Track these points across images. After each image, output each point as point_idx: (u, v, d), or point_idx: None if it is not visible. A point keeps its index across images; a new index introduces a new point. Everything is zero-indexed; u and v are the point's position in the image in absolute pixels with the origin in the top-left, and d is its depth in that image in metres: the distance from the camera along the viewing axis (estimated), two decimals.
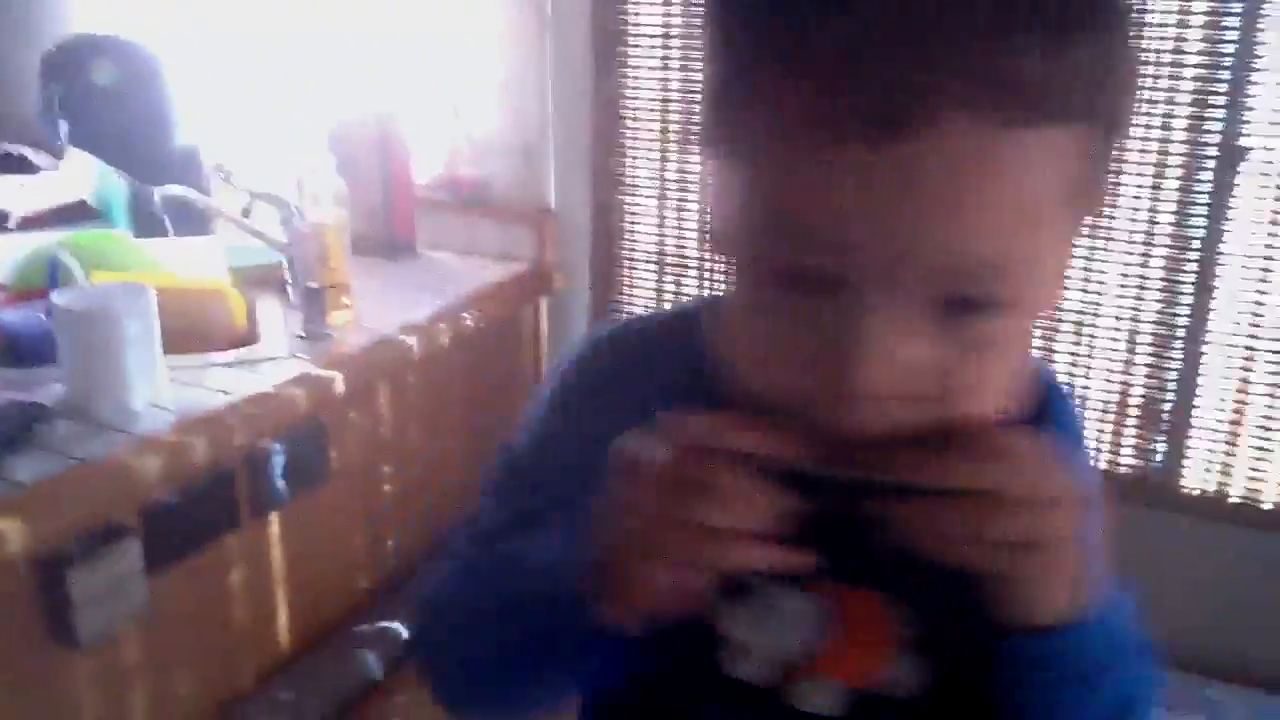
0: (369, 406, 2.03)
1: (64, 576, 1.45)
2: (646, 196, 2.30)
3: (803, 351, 0.56)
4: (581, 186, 2.32)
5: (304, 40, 2.48)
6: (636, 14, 2.20)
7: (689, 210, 2.28)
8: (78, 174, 2.52)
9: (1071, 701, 0.64)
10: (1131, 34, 0.57)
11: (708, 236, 0.60)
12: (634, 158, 2.29)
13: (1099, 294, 1.96)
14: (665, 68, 2.21)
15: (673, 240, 2.30)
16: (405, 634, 1.98)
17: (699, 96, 0.61)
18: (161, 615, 1.63)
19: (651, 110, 2.25)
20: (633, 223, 2.33)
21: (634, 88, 2.24)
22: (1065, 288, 0.55)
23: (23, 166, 2.74)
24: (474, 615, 0.70)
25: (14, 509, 1.37)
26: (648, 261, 2.34)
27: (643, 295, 2.38)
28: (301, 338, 1.91)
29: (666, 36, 2.19)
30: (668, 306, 2.35)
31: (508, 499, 0.74)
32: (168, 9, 2.59)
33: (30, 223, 2.36)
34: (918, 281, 0.54)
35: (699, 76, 2.04)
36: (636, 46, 2.22)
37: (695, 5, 2.15)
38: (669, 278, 2.33)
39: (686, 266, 2.31)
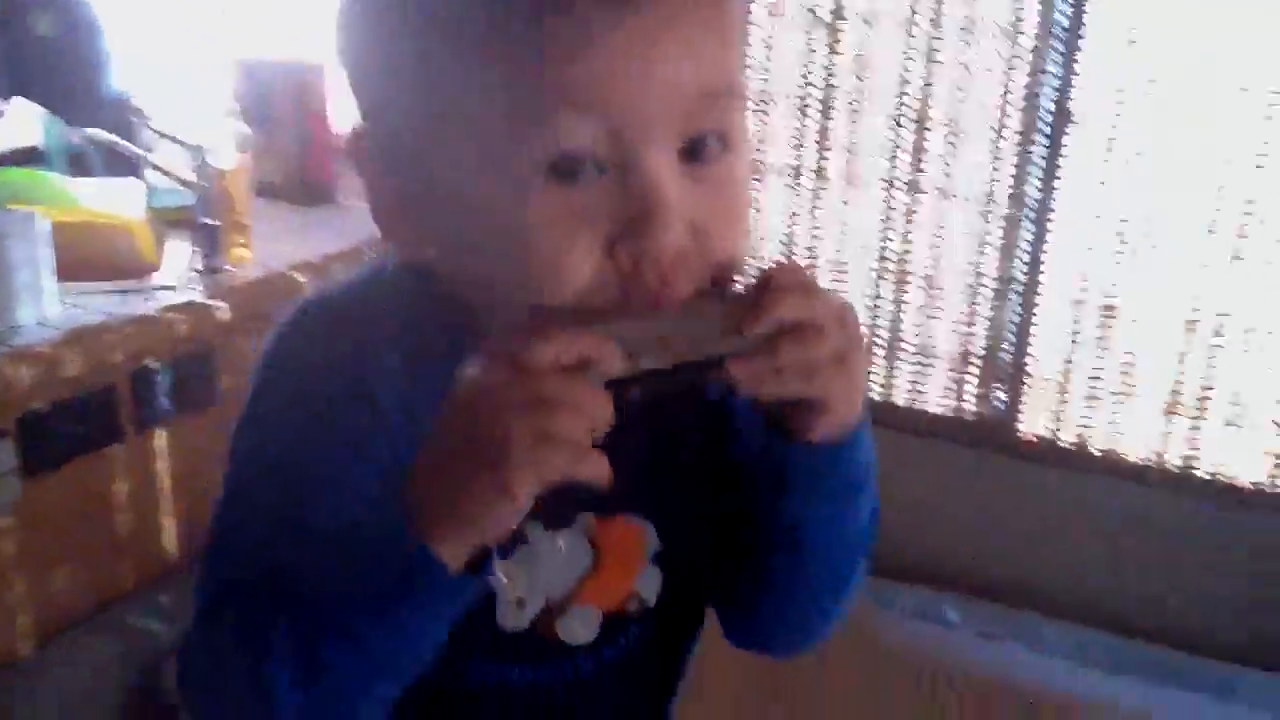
0: (260, 336, 2.18)
1: None
2: None
3: (595, 233, 0.59)
4: None
5: None
6: None
7: None
8: (25, 121, 2.71)
9: (849, 508, 0.70)
10: None
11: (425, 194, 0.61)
12: None
13: (942, 249, 2.08)
14: None
15: None
16: None
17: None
18: (40, 515, 1.79)
19: None
20: None
21: None
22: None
23: None
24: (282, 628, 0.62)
25: None
26: None
27: None
28: (198, 271, 2.07)
29: None
30: None
31: (253, 540, 0.67)
32: None
33: None
34: (671, 125, 0.58)
35: None
36: None
37: None
38: None
39: None
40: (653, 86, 0.57)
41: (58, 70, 2.45)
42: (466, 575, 0.60)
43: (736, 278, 0.63)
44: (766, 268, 0.61)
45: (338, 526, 0.62)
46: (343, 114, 2.50)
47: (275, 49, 2.49)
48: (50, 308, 1.81)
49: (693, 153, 0.60)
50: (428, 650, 0.63)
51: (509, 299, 0.63)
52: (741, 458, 0.72)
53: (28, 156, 2.51)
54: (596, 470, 0.58)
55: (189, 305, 1.93)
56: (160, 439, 2.02)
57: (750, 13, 0.66)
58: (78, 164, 2.38)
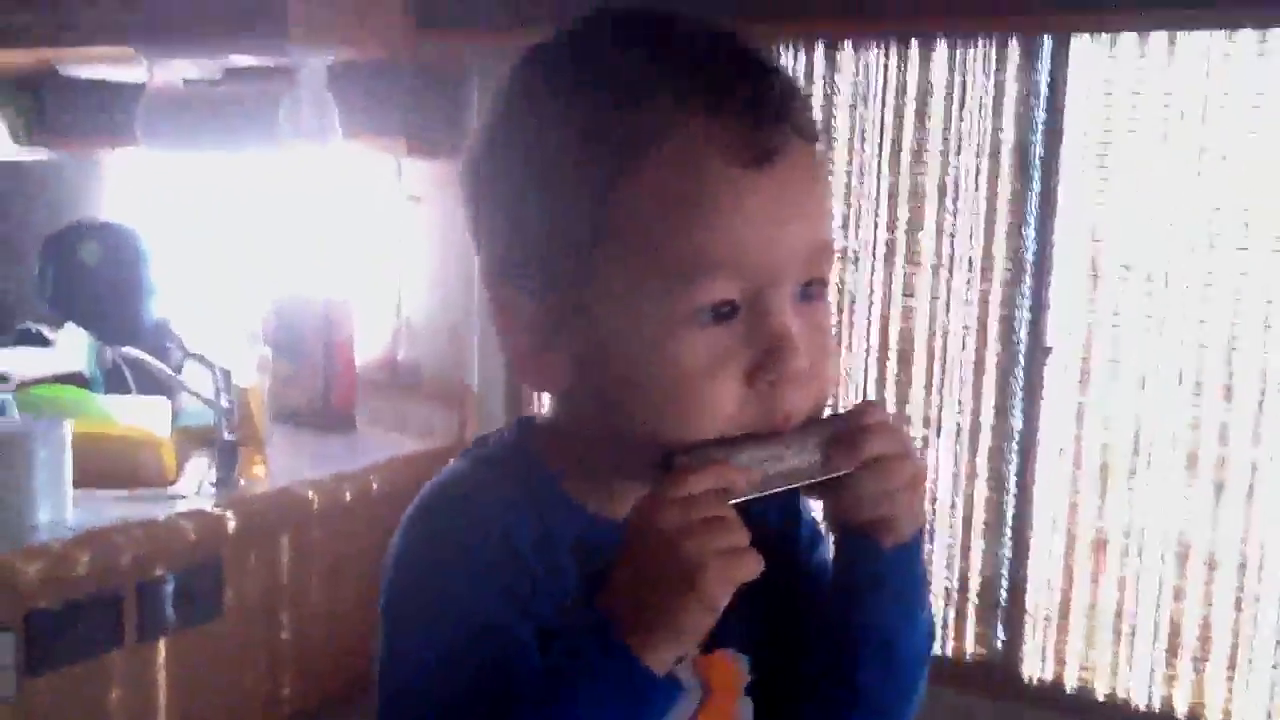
0: (269, 552, 2.23)
1: None
2: None
3: (737, 367, 0.69)
4: (499, 368, 2.57)
5: (263, 224, 2.83)
6: None
7: None
8: (74, 346, 2.88)
9: (919, 612, 0.80)
10: None
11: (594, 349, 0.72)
12: None
13: (933, 485, 2.12)
14: None
15: None
16: None
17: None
18: (36, 714, 1.81)
19: None
20: (543, 403, 2.56)
21: None
22: None
23: (39, 340, 3.11)
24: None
25: None
26: None
27: None
28: (213, 485, 2.15)
29: None
30: None
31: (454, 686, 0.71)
32: (155, 195, 2.99)
33: (27, 386, 2.69)
34: (796, 278, 0.71)
35: None
36: None
37: None
38: None
39: None
40: (783, 246, 0.70)
41: (103, 297, 2.62)
42: (672, 681, 0.69)
43: (824, 409, 0.75)
44: (855, 405, 0.75)
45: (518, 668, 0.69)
46: (366, 347, 2.65)
47: (305, 284, 2.66)
48: (66, 510, 1.89)
49: (805, 295, 0.72)
50: None
51: (653, 430, 0.71)
52: (813, 575, 0.83)
53: (73, 379, 2.66)
54: (758, 568, 0.68)
55: (198, 513, 2.01)
56: (162, 649, 2.04)
57: None
58: (115, 381, 2.52)
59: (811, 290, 0.72)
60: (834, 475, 0.72)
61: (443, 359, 2.61)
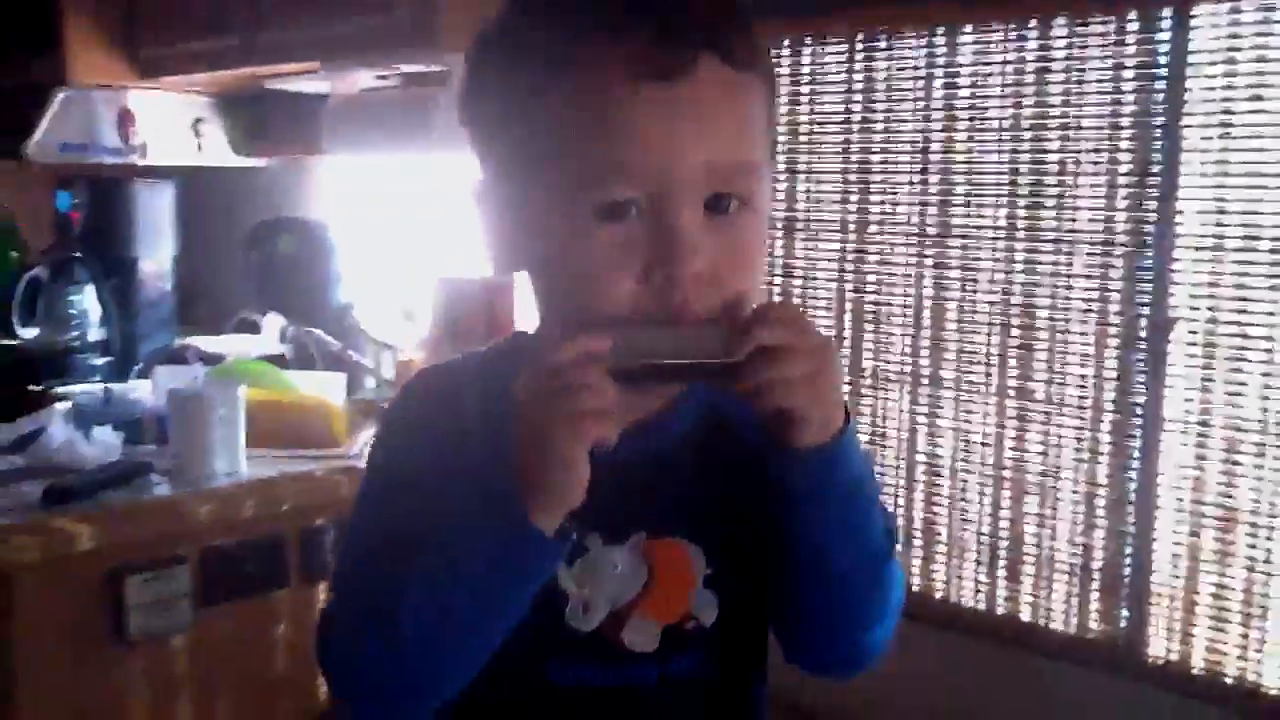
0: None
1: (123, 582, 1.91)
2: None
3: (631, 263, 0.77)
4: None
5: (431, 216, 3.05)
6: None
7: None
8: (276, 330, 3.20)
9: (851, 516, 0.81)
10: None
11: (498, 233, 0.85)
12: None
13: (1059, 457, 2.11)
14: None
15: None
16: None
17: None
18: (208, 643, 2.05)
19: None
20: None
21: None
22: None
23: (252, 327, 3.45)
24: (404, 596, 0.78)
25: (94, 521, 1.86)
26: None
27: None
28: None
29: None
30: None
31: (376, 525, 0.85)
32: (341, 193, 3.27)
33: None
34: (697, 187, 0.77)
35: None
36: None
37: None
38: None
39: None
40: (678, 160, 0.77)
41: (297, 283, 2.91)
42: (555, 541, 0.77)
43: (745, 312, 0.79)
44: (763, 303, 0.79)
45: (445, 514, 0.79)
46: (527, 322, 2.82)
47: (468, 268, 2.86)
48: (240, 462, 2.13)
49: (715, 207, 0.79)
50: (511, 614, 0.79)
51: (569, 313, 0.81)
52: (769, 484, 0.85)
53: (276, 361, 2.96)
54: (611, 433, 0.75)
55: (354, 470, 2.21)
56: (321, 591, 2.26)
57: (777, 104, 0.85)
58: (303, 358, 2.79)
59: (724, 203, 0.78)
60: (724, 361, 0.76)
61: None
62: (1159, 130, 1.97)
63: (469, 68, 0.86)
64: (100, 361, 2.90)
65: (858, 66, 2.32)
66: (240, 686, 2.15)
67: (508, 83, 0.82)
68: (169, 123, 3.25)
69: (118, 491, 1.98)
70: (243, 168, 3.39)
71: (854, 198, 2.35)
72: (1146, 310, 2.00)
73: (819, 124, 2.40)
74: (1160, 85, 1.96)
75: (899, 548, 0.90)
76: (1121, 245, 2.02)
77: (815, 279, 2.43)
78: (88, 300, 2.96)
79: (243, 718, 2.15)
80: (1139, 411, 2.02)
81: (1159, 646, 2.04)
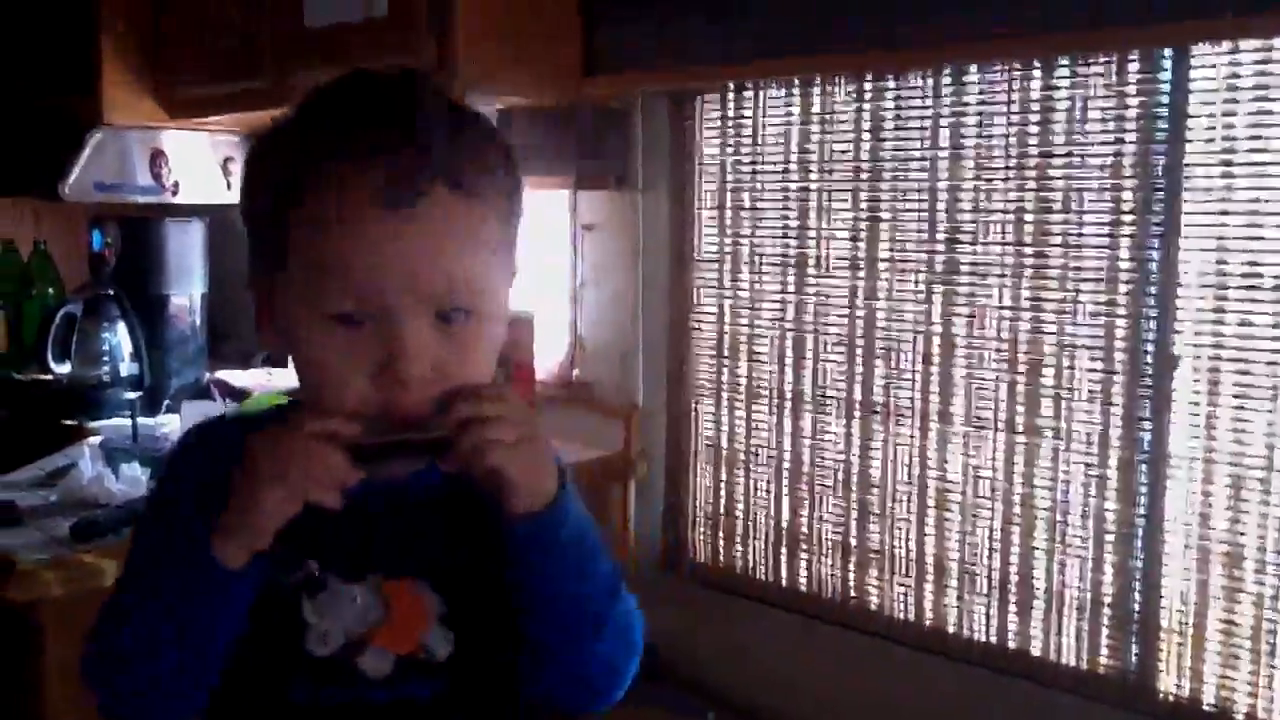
0: None
1: None
2: (707, 397, 2.69)
3: (363, 365, 0.88)
4: (661, 389, 2.74)
5: None
6: (700, 247, 2.67)
7: (739, 411, 2.64)
8: None
9: (576, 564, 0.92)
10: (510, 152, 0.97)
11: (264, 324, 0.99)
12: (698, 364, 2.70)
13: (1066, 490, 2.13)
14: (722, 288, 2.64)
15: (726, 436, 2.67)
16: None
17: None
18: None
19: (713, 325, 2.67)
20: (697, 421, 2.72)
21: (699, 306, 2.68)
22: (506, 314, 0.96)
23: (279, 362, 3.52)
24: (128, 619, 0.93)
25: (119, 556, 1.91)
26: (708, 454, 2.71)
27: (705, 488, 2.72)
28: None
29: (722, 263, 2.63)
30: (724, 500, 2.68)
31: (136, 554, 0.99)
32: None
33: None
34: (425, 302, 0.87)
35: (745, 293, 2.43)
36: (701, 274, 2.67)
37: (741, 237, 2.59)
38: (723, 468, 2.68)
39: (743, 461, 2.64)
40: (405, 283, 0.87)
41: None
42: (239, 574, 0.89)
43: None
44: (469, 385, 0.90)
45: (167, 546, 0.92)
46: (545, 363, 2.88)
47: None
48: None
49: (445, 318, 0.89)
50: (215, 640, 0.92)
51: (313, 402, 0.91)
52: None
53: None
54: (327, 499, 0.86)
55: None
56: None
57: (519, 211, 0.97)
58: None
59: (451, 315, 0.89)
60: (438, 436, 0.87)
61: (613, 377, 2.80)
62: (1160, 168, 1.99)
63: (245, 165, 0.98)
64: (131, 396, 2.97)
65: (865, 107, 2.36)
66: None
67: (268, 189, 0.92)
68: (199, 162, 3.33)
69: None
70: None
71: (863, 235, 2.39)
72: (1151, 347, 2.02)
73: (828, 163, 2.44)
74: (1162, 125, 1.99)
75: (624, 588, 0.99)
76: (1126, 282, 2.05)
77: (827, 316, 2.46)
78: (119, 336, 3.03)
79: None
80: (1145, 447, 2.04)
81: (1169, 682, 2.05)
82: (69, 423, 2.85)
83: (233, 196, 3.36)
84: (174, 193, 3.28)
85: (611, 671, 0.98)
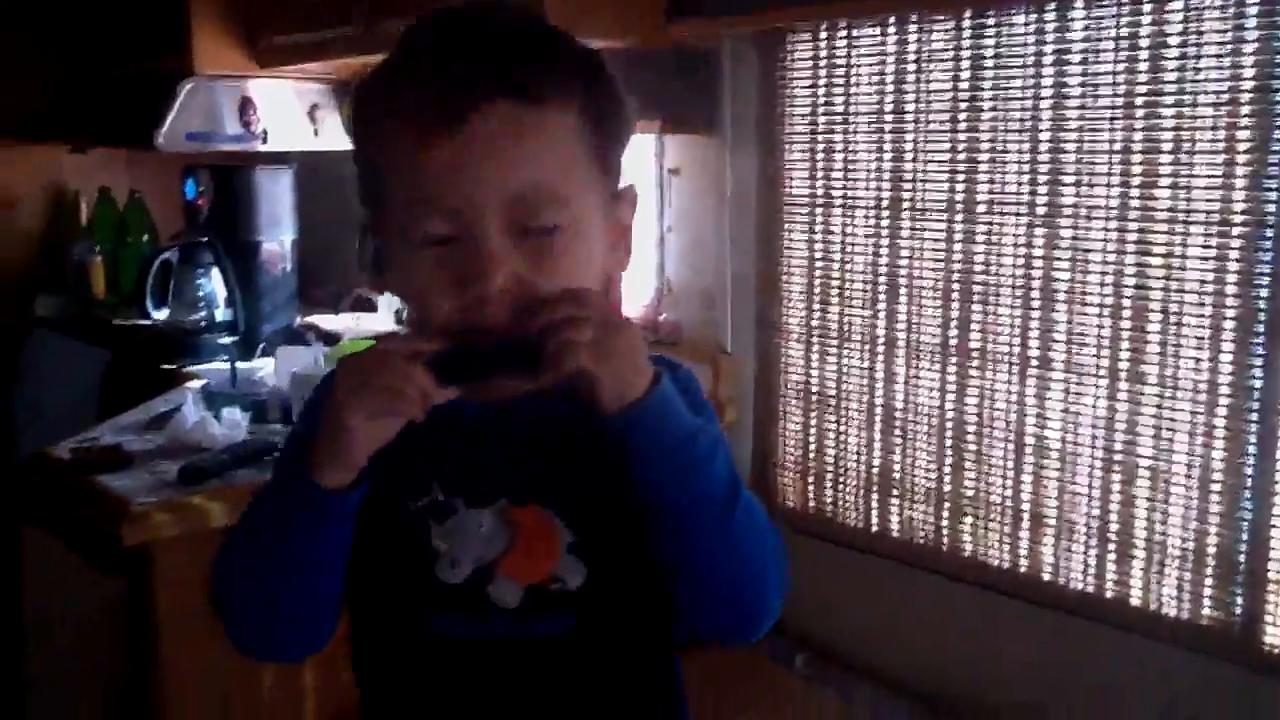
0: None
1: None
2: (797, 341, 2.67)
3: (446, 284, 0.91)
4: (749, 333, 2.72)
5: None
6: (790, 190, 2.63)
7: (831, 355, 2.61)
8: (391, 308, 3.31)
9: (684, 464, 0.89)
10: (594, 60, 0.97)
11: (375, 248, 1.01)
12: (788, 308, 2.67)
13: (1171, 442, 2.08)
14: (812, 232, 2.61)
15: (817, 380, 2.64)
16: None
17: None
18: None
19: (803, 269, 2.63)
20: (787, 365, 2.70)
21: (789, 250, 2.65)
22: (622, 231, 1.01)
23: (368, 305, 3.56)
24: (245, 545, 0.99)
25: (226, 498, 1.95)
26: (798, 398, 2.69)
27: (794, 432, 2.71)
28: None
29: (813, 207, 2.59)
30: (813, 445, 2.66)
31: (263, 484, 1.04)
32: None
33: None
34: (500, 216, 0.89)
35: (837, 237, 2.40)
36: (790, 218, 2.64)
37: (834, 180, 2.55)
38: (814, 413, 2.66)
39: (834, 405, 2.62)
40: (473, 196, 0.89)
41: None
42: (336, 495, 0.91)
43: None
44: (550, 290, 0.91)
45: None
46: (632, 307, 2.87)
47: None
48: None
49: (528, 231, 0.91)
50: (322, 563, 0.95)
51: (413, 324, 0.98)
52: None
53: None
54: (410, 412, 0.88)
55: None
56: None
57: (613, 117, 0.96)
58: None
59: (532, 229, 0.90)
60: (516, 345, 0.88)
61: (699, 321, 2.79)
62: None
63: (350, 111, 1.00)
64: (226, 341, 3.03)
65: (965, 45, 2.30)
66: None
67: (363, 130, 0.97)
68: (287, 110, 3.36)
69: (247, 470, 2.08)
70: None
71: (961, 178, 2.33)
72: (1265, 292, 1.95)
73: (924, 103, 2.38)
74: None
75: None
76: (1239, 224, 1.97)
77: (923, 259, 2.42)
78: (214, 282, 3.08)
79: None
80: (1256, 396, 1.98)
81: (1277, 635, 2.01)
82: (168, 367, 2.91)
83: (319, 144, 3.40)
84: (263, 140, 3.31)
85: (753, 585, 0.94)
